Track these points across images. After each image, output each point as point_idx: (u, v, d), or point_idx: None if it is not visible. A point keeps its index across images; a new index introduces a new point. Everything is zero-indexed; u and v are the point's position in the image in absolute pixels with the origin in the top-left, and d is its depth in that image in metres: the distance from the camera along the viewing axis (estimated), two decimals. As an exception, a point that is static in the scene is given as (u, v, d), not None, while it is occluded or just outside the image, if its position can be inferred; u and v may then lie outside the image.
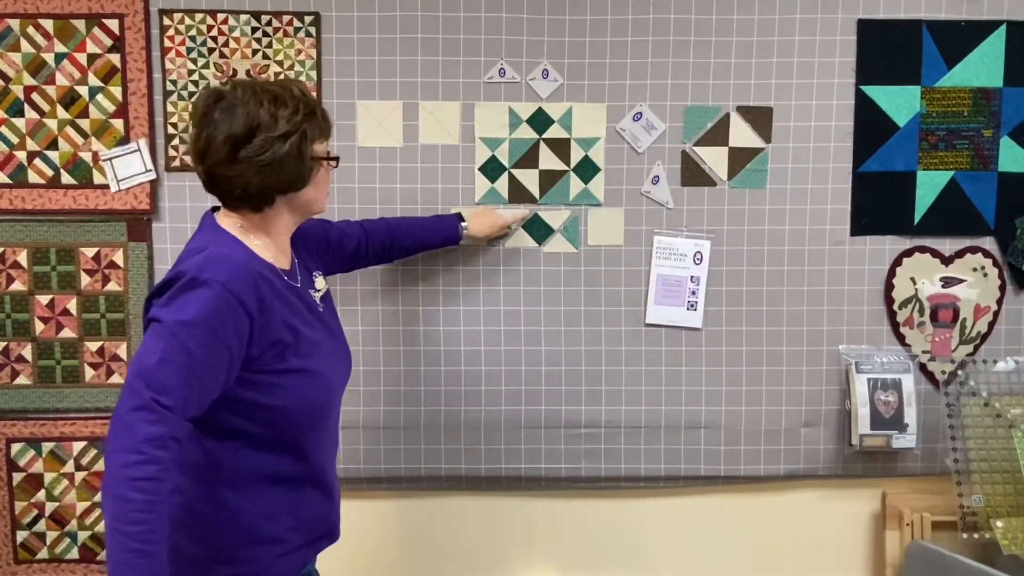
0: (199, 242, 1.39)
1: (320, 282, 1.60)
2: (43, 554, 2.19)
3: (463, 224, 1.99)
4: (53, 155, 2.09)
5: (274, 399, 1.38)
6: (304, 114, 1.40)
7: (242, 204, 1.41)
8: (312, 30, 2.07)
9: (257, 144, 1.35)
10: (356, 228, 1.88)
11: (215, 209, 1.47)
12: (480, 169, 2.12)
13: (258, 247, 1.42)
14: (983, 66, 2.10)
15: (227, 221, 1.43)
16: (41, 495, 2.17)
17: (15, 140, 2.08)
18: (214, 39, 2.06)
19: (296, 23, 2.06)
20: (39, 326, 2.13)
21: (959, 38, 2.10)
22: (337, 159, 1.53)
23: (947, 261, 2.16)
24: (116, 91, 2.07)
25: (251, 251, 1.40)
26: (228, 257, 1.33)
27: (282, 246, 1.49)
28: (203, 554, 1.38)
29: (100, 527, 2.17)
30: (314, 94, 2.07)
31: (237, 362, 1.32)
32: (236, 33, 2.06)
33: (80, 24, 2.05)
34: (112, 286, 2.11)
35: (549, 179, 2.12)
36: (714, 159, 2.13)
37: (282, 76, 2.07)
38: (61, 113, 2.08)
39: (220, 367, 1.29)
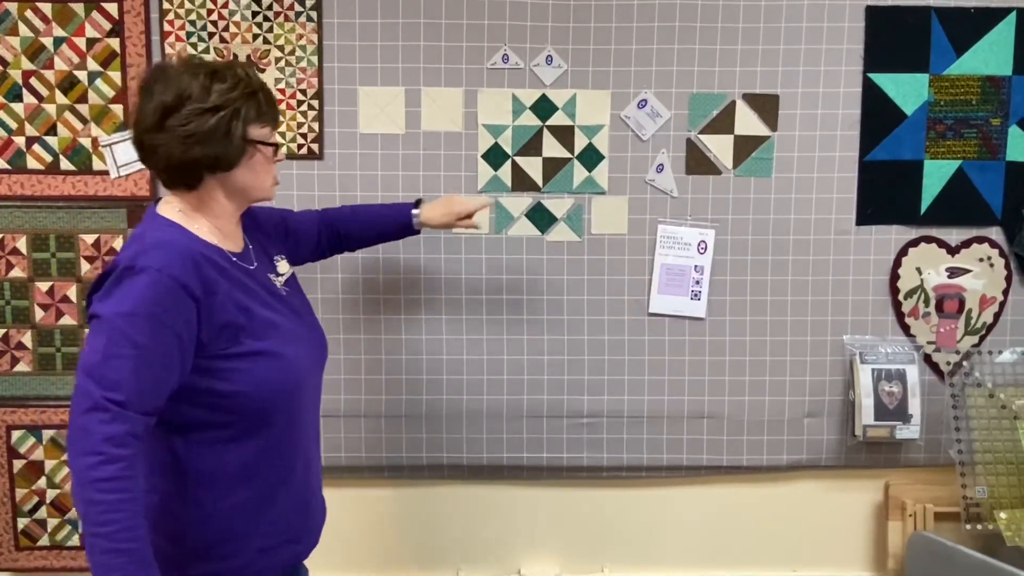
0: (138, 232, 1.35)
1: (283, 266, 1.54)
2: (44, 541, 2.19)
3: (415, 211, 1.80)
4: (52, 141, 2.07)
5: (232, 384, 1.32)
6: (243, 93, 1.34)
7: (171, 178, 1.37)
8: (313, 15, 2.04)
9: (184, 114, 1.30)
10: (314, 216, 1.79)
11: (159, 201, 1.43)
12: (483, 156, 2.10)
13: (201, 230, 1.37)
14: (992, 54, 2.08)
15: (167, 208, 1.39)
16: (42, 482, 2.17)
17: (13, 125, 2.06)
18: (214, 23, 2.04)
19: (297, 7, 2.04)
20: (39, 313, 2.12)
21: (968, 25, 2.07)
22: (277, 147, 1.45)
23: (953, 251, 2.14)
24: (115, 76, 2.05)
25: (193, 235, 1.35)
26: (164, 241, 1.29)
27: (228, 230, 1.42)
28: (181, 552, 1.34)
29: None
30: (315, 79, 2.05)
31: (190, 347, 1.27)
32: (236, 17, 2.04)
33: (79, 8, 2.03)
34: (112, 273, 2.10)
35: (552, 167, 2.10)
36: (719, 147, 2.11)
37: (283, 61, 2.05)
38: (60, 98, 2.06)
39: (171, 354, 1.25)
